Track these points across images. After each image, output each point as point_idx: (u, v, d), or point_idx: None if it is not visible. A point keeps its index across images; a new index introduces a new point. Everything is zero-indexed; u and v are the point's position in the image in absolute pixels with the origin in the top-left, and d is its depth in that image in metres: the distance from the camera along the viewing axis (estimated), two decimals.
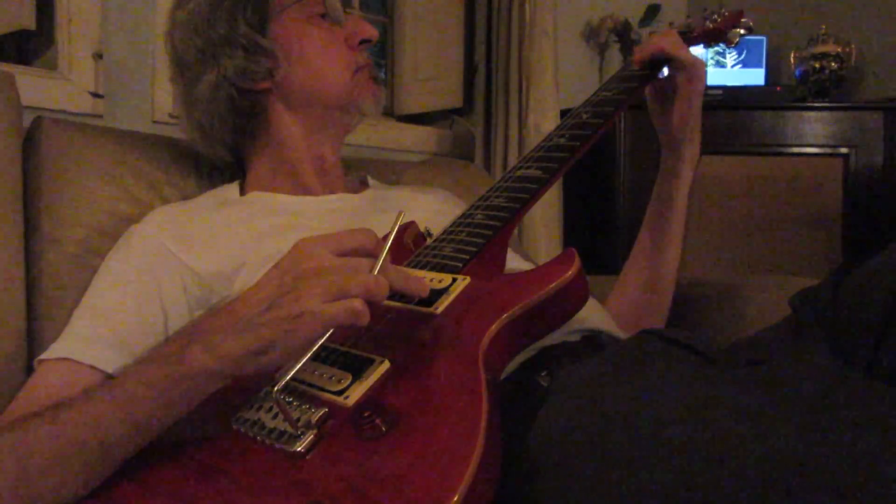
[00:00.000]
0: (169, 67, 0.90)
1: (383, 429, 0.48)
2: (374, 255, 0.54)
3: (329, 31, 0.87)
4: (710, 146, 1.89)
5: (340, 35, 0.88)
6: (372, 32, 0.89)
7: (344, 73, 0.87)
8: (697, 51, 2.21)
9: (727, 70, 2.15)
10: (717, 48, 2.10)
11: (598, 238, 1.88)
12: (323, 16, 0.87)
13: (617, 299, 0.97)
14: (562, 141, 0.79)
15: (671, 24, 1.05)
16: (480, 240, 0.68)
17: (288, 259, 0.55)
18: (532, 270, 0.62)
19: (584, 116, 0.82)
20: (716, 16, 0.96)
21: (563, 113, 1.55)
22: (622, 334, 0.80)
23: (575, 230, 1.80)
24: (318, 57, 0.86)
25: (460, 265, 0.65)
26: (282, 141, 0.88)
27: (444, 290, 0.61)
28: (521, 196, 0.73)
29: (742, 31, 0.94)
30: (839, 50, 2.03)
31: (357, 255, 0.54)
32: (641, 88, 0.89)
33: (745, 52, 2.13)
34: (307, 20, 0.86)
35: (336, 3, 0.88)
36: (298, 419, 0.51)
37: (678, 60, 0.87)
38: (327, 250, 0.54)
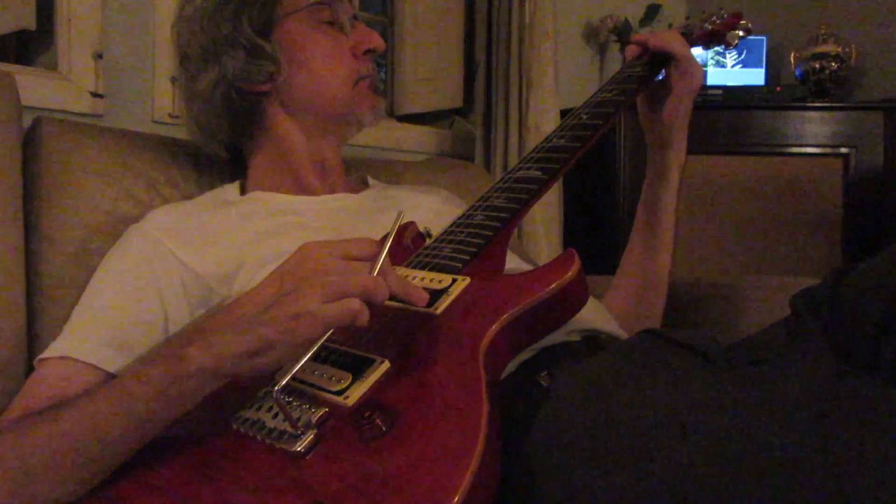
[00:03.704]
0: (172, 60, 0.90)
1: (383, 429, 0.48)
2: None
3: (335, 38, 0.87)
4: (710, 146, 1.91)
5: (346, 43, 0.87)
6: (378, 43, 0.88)
7: (345, 83, 0.86)
8: (696, 52, 2.20)
9: (727, 70, 2.15)
10: (716, 49, 2.10)
11: (598, 238, 1.88)
12: (330, 23, 0.87)
13: (611, 299, 0.97)
14: (561, 142, 0.79)
15: (670, 25, 1.05)
16: (480, 240, 0.68)
17: (290, 262, 0.55)
18: (532, 271, 0.62)
19: (584, 117, 0.82)
20: (715, 17, 0.96)
21: (563, 113, 1.55)
22: (622, 334, 0.80)
23: (575, 230, 1.80)
24: (321, 64, 0.86)
25: (460, 266, 0.65)
26: (281, 142, 0.88)
27: (444, 291, 0.61)
28: (521, 197, 0.73)
29: (741, 33, 0.95)
30: (839, 50, 2.03)
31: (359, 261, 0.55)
32: (641, 90, 0.89)
33: (745, 52, 2.13)
34: (313, 26, 0.86)
35: (343, 11, 0.87)
36: (298, 419, 0.51)
37: (681, 58, 0.87)
38: (330, 255, 0.54)
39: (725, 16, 0.95)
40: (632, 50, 0.91)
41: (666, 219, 0.93)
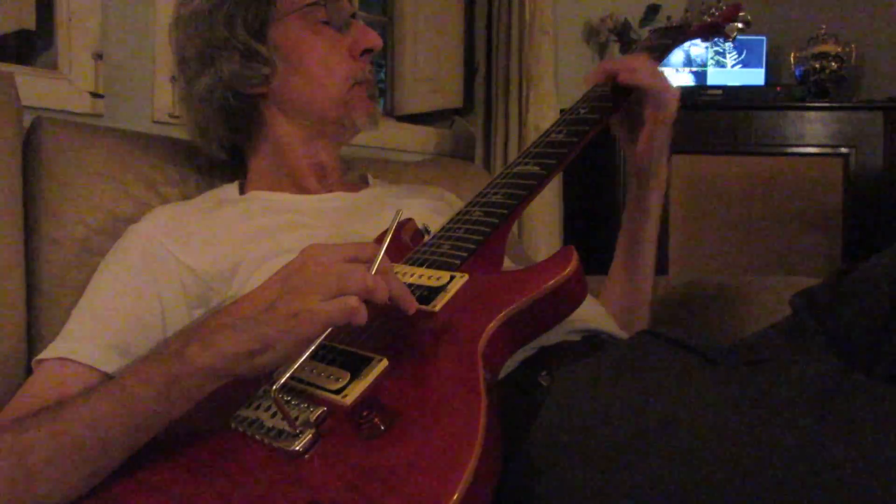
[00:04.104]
0: (172, 63, 0.90)
1: (382, 428, 0.48)
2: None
3: (331, 39, 0.86)
4: (710, 146, 1.91)
5: (343, 43, 0.86)
6: (376, 42, 0.87)
7: (341, 86, 0.85)
8: (697, 50, 2.18)
9: (727, 70, 2.15)
10: (716, 47, 2.10)
11: (598, 238, 1.87)
12: (326, 23, 0.86)
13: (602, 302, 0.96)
14: (560, 137, 0.79)
15: (669, 18, 1.05)
16: (478, 237, 0.68)
17: (294, 264, 0.56)
18: (530, 267, 0.61)
19: (582, 112, 0.82)
20: (713, 10, 0.96)
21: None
22: (622, 334, 0.80)
23: (574, 229, 1.80)
24: (316, 66, 0.85)
25: (458, 262, 0.65)
26: (279, 144, 0.88)
27: (442, 288, 0.61)
28: (519, 192, 0.73)
29: (740, 25, 0.94)
30: (839, 50, 2.03)
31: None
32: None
33: (745, 52, 2.13)
34: (309, 27, 0.85)
35: (340, 10, 0.86)
36: (297, 418, 0.51)
37: (652, 92, 0.81)
38: (333, 257, 0.54)
39: (724, 8, 0.95)
40: (593, 76, 0.85)
41: (646, 248, 0.92)
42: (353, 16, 0.89)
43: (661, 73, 0.83)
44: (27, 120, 0.92)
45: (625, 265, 0.94)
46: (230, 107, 0.85)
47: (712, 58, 2.13)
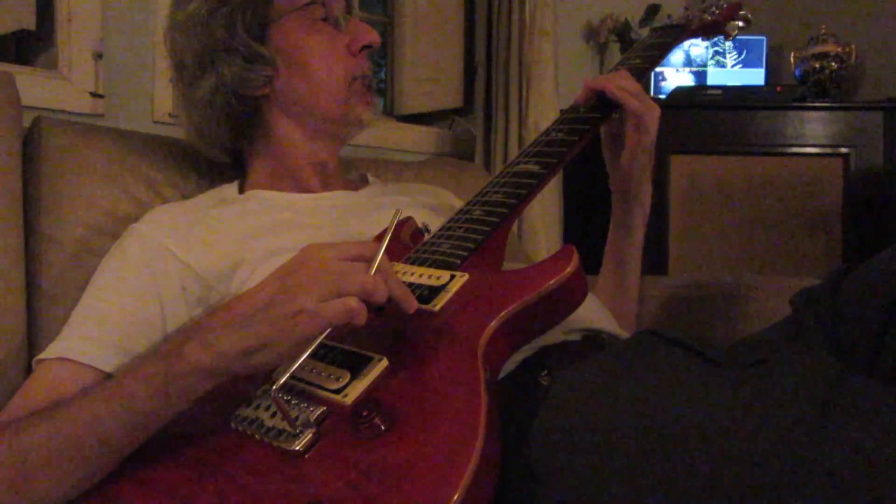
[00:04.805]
0: (168, 66, 0.90)
1: (382, 427, 0.48)
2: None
3: (330, 37, 0.86)
4: (710, 146, 1.91)
5: (342, 41, 0.86)
6: (374, 38, 0.87)
7: (341, 84, 0.85)
8: (697, 50, 2.18)
9: (727, 70, 2.15)
10: (716, 47, 2.10)
11: (598, 238, 1.88)
12: (324, 19, 0.86)
13: None
14: (560, 136, 0.79)
15: (669, 16, 1.05)
16: (479, 236, 0.68)
17: (292, 262, 0.55)
18: (530, 267, 0.62)
19: (582, 111, 0.82)
20: (714, 8, 0.96)
21: None
22: (623, 333, 0.80)
23: (575, 229, 1.79)
24: (316, 66, 0.85)
25: (458, 262, 0.65)
26: (280, 145, 0.88)
27: (443, 287, 0.61)
28: (520, 191, 0.73)
29: (740, 24, 0.94)
30: (839, 50, 2.03)
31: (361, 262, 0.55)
32: (640, 82, 0.88)
33: (745, 52, 2.13)
34: (308, 26, 0.85)
35: (338, 6, 0.87)
36: (297, 418, 0.51)
37: (635, 114, 0.81)
38: (332, 255, 0.54)
39: (725, 6, 0.95)
40: (582, 98, 0.84)
41: (631, 267, 0.92)
42: (351, 13, 0.89)
43: (645, 95, 0.82)
44: (27, 120, 0.92)
45: (611, 283, 0.94)
46: (232, 110, 0.85)
47: (712, 58, 2.13)
